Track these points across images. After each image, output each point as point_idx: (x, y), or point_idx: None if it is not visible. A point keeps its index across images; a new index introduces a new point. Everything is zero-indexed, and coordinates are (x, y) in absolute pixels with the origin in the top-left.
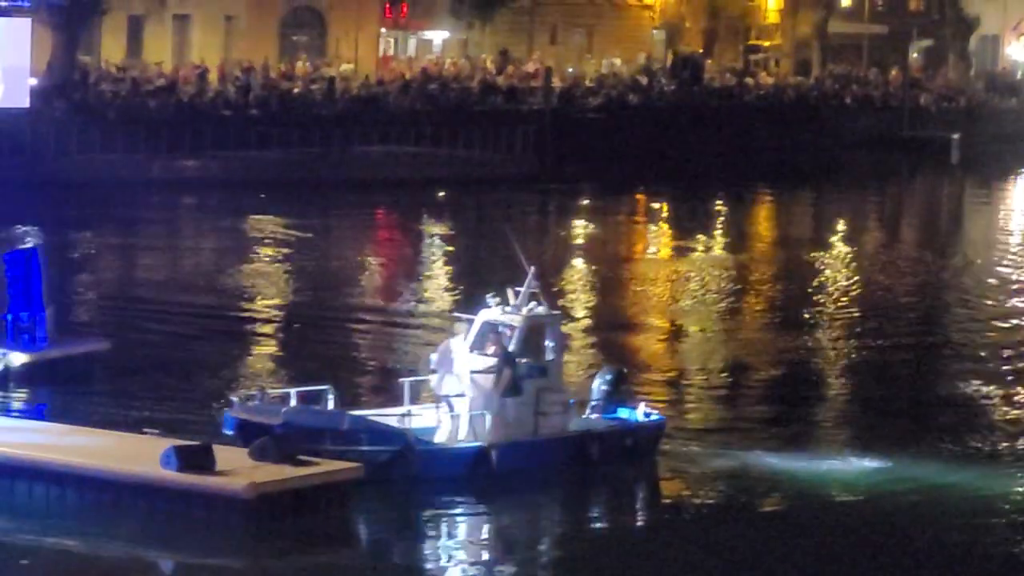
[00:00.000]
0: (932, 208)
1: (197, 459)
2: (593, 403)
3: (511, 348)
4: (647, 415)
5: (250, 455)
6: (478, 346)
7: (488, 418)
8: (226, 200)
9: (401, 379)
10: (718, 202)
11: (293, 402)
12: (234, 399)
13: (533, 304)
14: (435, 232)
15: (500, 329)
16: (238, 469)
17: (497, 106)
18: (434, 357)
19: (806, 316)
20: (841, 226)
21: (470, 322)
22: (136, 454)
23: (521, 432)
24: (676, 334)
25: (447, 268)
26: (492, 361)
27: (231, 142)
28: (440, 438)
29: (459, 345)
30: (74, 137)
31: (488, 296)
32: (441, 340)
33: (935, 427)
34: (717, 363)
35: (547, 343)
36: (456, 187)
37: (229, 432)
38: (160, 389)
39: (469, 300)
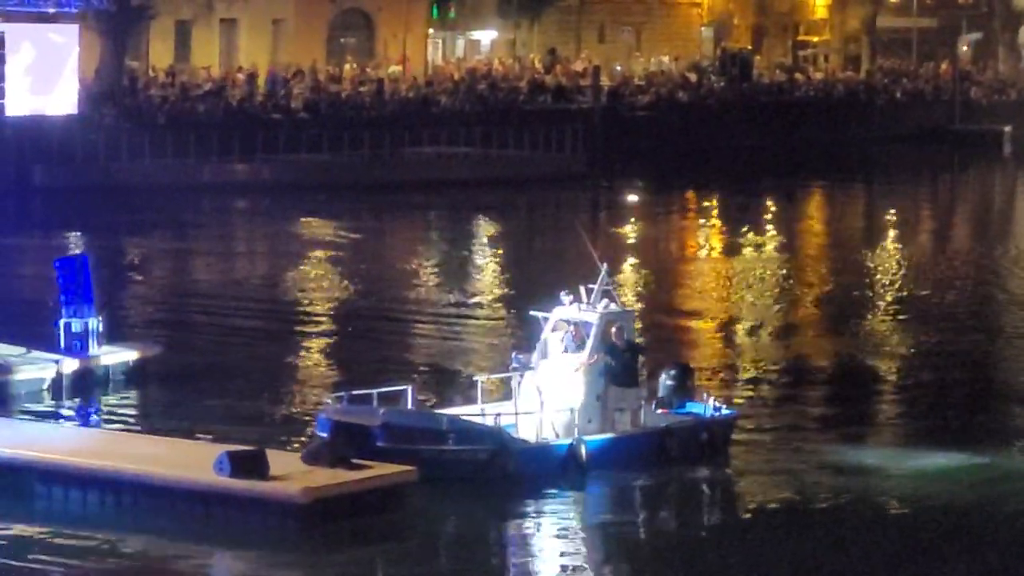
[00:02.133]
0: (985, 201)
1: (251, 464)
2: (659, 399)
3: (591, 344)
4: (717, 409)
5: (304, 459)
6: (565, 345)
7: (577, 414)
8: (277, 204)
9: (475, 377)
10: (769, 198)
11: (375, 403)
12: (327, 400)
13: (606, 301)
14: (488, 232)
15: (572, 325)
16: (292, 474)
17: (546, 105)
18: (522, 356)
19: (863, 311)
20: (894, 221)
21: (545, 320)
22: (190, 460)
23: (602, 428)
24: (733, 331)
25: (500, 268)
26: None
27: (281, 146)
28: (526, 435)
29: (553, 342)
30: (124, 143)
31: (562, 294)
32: (500, 338)
33: (1011, 423)
34: (778, 358)
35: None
36: (507, 187)
37: (323, 434)
38: (213, 394)
39: (526, 298)
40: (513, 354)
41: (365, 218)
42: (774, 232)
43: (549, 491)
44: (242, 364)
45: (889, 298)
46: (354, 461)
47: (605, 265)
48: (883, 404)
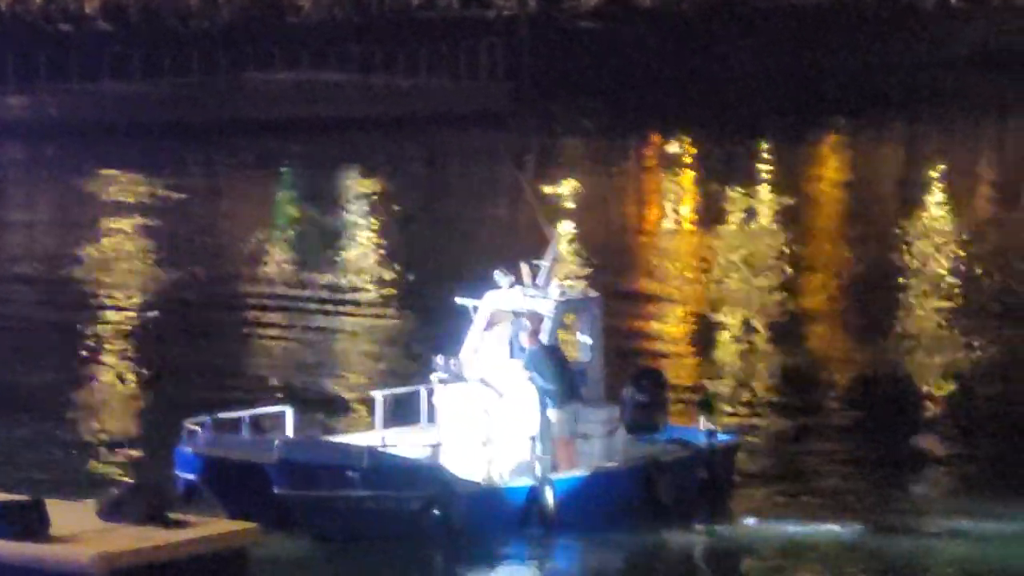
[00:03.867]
0: None
1: (22, 520)
2: (627, 421)
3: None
4: (711, 434)
5: (101, 514)
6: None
7: (539, 445)
8: (67, 151)
9: (373, 392)
10: (765, 145)
11: (243, 431)
12: (193, 428)
13: (560, 284)
14: (367, 192)
15: (520, 317)
16: (83, 534)
17: (451, 12)
18: (451, 362)
19: (896, 305)
20: (943, 178)
21: (475, 309)
22: None
23: (562, 463)
24: (712, 330)
25: (386, 242)
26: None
27: (74, 71)
28: (470, 475)
29: (492, 341)
30: None
31: (497, 273)
32: (393, 338)
33: None
34: (775, 370)
35: (583, 338)
36: (395, 130)
37: (189, 476)
38: None
39: (426, 282)
40: (438, 359)
41: (192, 172)
42: (773, 193)
43: (502, 552)
44: (16, 380)
45: (933, 287)
46: (172, 516)
47: (557, 232)
48: (928, 438)
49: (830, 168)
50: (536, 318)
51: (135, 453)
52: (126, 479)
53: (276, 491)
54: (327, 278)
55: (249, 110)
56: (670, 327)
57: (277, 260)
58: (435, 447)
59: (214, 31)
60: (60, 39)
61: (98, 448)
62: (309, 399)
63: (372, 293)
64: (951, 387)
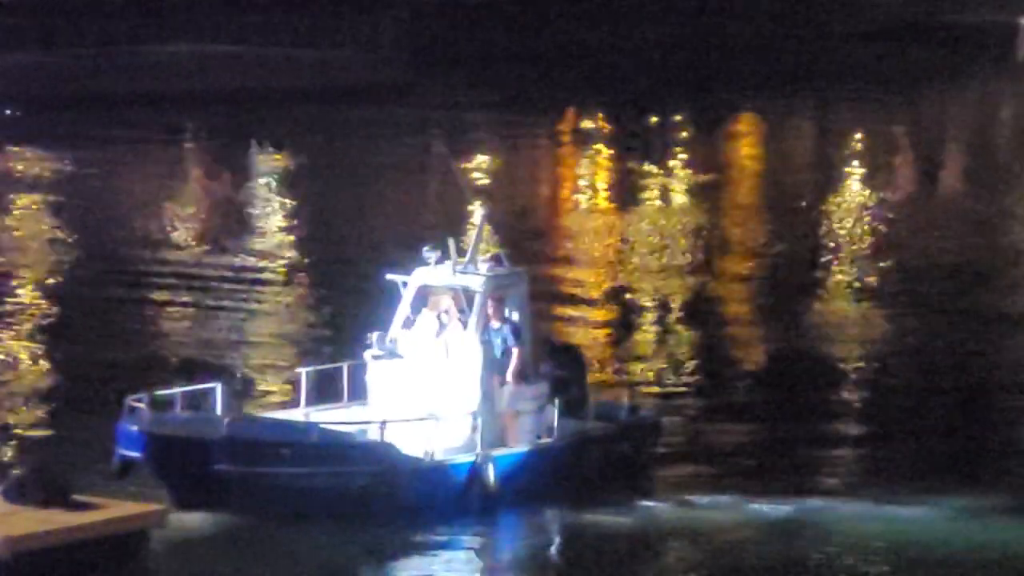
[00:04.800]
0: (987, 126)
1: None
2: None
3: (475, 320)
4: (631, 411)
5: (3, 496)
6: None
7: (480, 421)
8: None
9: (299, 368)
10: (678, 119)
11: (178, 406)
12: (134, 405)
13: (489, 260)
14: (270, 166)
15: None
16: None
17: None
18: (385, 338)
19: (809, 285)
20: (854, 155)
21: (403, 285)
22: None
23: (494, 439)
24: (626, 312)
25: (288, 217)
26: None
27: None
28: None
29: (425, 318)
30: None
31: (425, 249)
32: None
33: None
34: (688, 352)
35: (511, 314)
36: (293, 103)
37: (133, 454)
38: None
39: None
40: (372, 336)
41: (86, 146)
42: (686, 170)
43: (443, 529)
44: None
45: (845, 267)
46: (76, 497)
47: (484, 207)
48: (843, 417)
49: (740, 146)
50: (466, 295)
51: (39, 434)
52: (29, 461)
53: (221, 468)
54: (237, 254)
55: (144, 83)
56: (586, 306)
57: (186, 236)
58: (381, 424)
59: (111, 2)
60: None
61: (1, 430)
62: (228, 376)
63: (283, 269)
64: (867, 366)
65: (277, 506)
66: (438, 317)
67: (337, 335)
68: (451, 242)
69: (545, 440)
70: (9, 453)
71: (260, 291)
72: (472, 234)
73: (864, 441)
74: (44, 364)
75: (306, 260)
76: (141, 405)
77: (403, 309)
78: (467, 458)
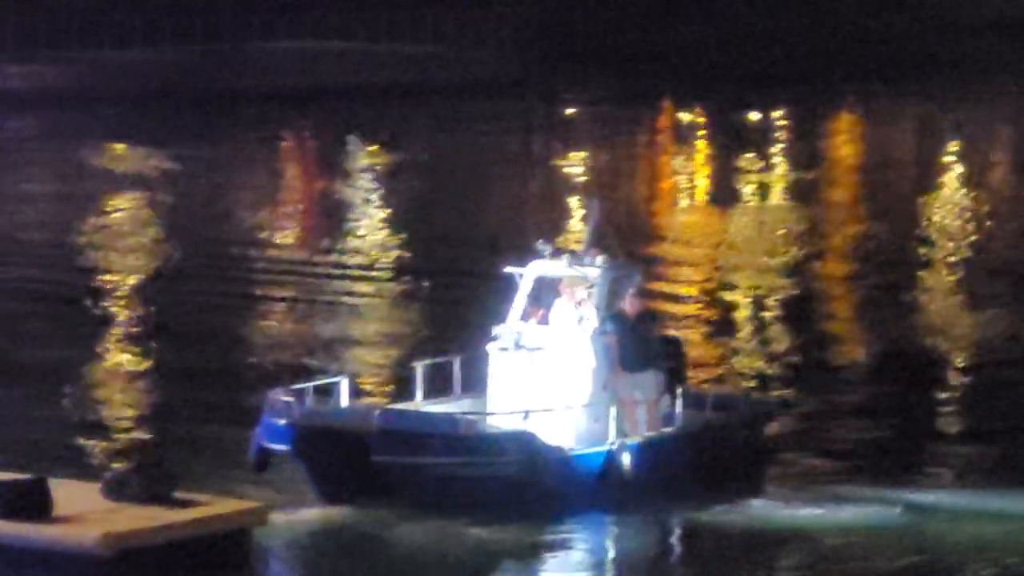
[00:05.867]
0: None
1: (24, 500)
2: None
3: (595, 312)
4: (747, 400)
5: (104, 492)
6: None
7: (611, 410)
8: (68, 122)
9: (413, 364)
10: (779, 115)
11: (308, 399)
12: (283, 398)
13: (601, 254)
14: (374, 163)
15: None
16: (87, 513)
17: None
18: (511, 328)
19: (914, 284)
20: (961, 153)
21: (519, 277)
22: None
23: (610, 429)
24: (723, 310)
25: (394, 214)
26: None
27: (75, 39)
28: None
29: (561, 309)
30: None
31: (539, 243)
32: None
33: None
34: (789, 351)
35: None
36: (402, 99)
37: (280, 447)
38: None
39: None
40: (500, 328)
41: (195, 143)
42: (787, 165)
43: (575, 520)
44: (21, 356)
45: (952, 266)
46: (177, 495)
47: (596, 200)
48: (942, 418)
49: (843, 142)
50: (634, 284)
51: (143, 434)
52: (131, 458)
53: (377, 459)
54: (343, 250)
55: (252, 79)
56: (685, 303)
57: (289, 233)
58: (524, 414)
59: None
60: (59, 6)
61: (102, 426)
62: (348, 371)
63: (387, 265)
64: (968, 364)
65: (427, 497)
66: (574, 308)
67: (440, 330)
68: (564, 236)
69: (669, 429)
70: (113, 451)
71: (363, 288)
72: (585, 228)
73: (964, 441)
74: (147, 363)
75: (408, 256)
76: (288, 399)
77: (520, 301)
78: (604, 447)
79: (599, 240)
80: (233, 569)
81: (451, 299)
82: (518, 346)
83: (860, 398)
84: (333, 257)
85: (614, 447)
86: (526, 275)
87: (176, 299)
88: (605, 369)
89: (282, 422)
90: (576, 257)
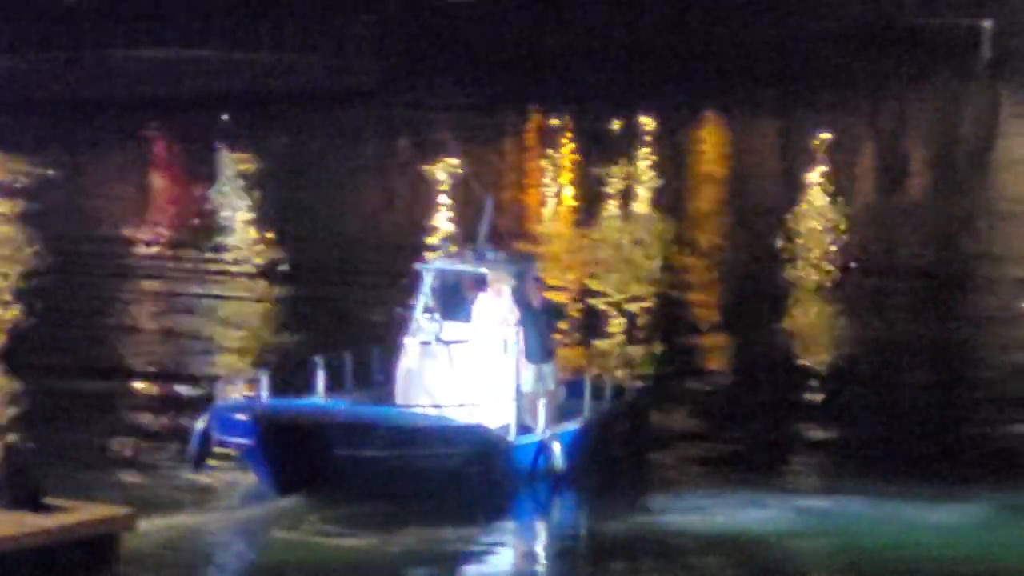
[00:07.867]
0: (951, 129)
1: None
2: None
3: (515, 304)
4: (627, 390)
5: None
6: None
7: (541, 401)
8: None
9: (315, 358)
10: (644, 121)
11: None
12: (236, 396)
13: (495, 248)
14: (237, 169)
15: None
16: None
17: None
18: (418, 324)
19: (775, 291)
20: (818, 160)
21: (422, 274)
22: None
23: (521, 419)
24: (592, 318)
25: (256, 216)
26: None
27: None
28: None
29: (484, 304)
30: None
31: (439, 240)
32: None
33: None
34: (649, 347)
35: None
36: (261, 107)
37: (243, 440)
38: None
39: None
40: (416, 322)
41: (57, 151)
42: (648, 171)
43: (505, 514)
44: None
45: (813, 272)
46: (46, 501)
47: (490, 197)
48: (809, 419)
49: (705, 149)
50: (529, 278)
51: (4, 436)
52: None
53: (337, 452)
54: (214, 251)
55: (114, 87)
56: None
57: (156, 237)
58: (466, 407)
59: (79, 6)
60: None
61: None
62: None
63: (260, 266)
64: (836, 367)
65: (382, 488)
66: (493, 302)
67: (319, 327)
68: (456, 232)
69: (581, 418)
70: None
71: (234, 290)
72: (483, 220)
73: (831, 440)
74: (12, 368)
75: (279, 257)
76: (246, 393)
77: (423, 297)
78: (535, 437)
79: (492, 235)
80: (101, 572)
81: (323, 297)
82: (439, 340)
83: (721, 404)
84: (204, 258)
85: (545, 437)
86: (427, 271)
87: (43, 304)
88: (532, 361)
89: (240, 416)
90: (476, 252)
